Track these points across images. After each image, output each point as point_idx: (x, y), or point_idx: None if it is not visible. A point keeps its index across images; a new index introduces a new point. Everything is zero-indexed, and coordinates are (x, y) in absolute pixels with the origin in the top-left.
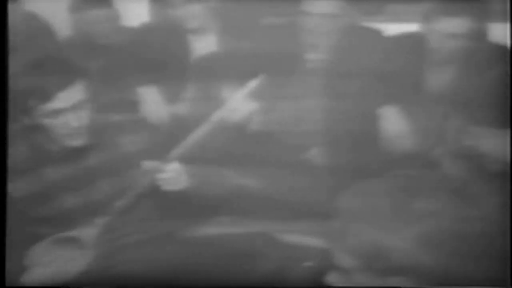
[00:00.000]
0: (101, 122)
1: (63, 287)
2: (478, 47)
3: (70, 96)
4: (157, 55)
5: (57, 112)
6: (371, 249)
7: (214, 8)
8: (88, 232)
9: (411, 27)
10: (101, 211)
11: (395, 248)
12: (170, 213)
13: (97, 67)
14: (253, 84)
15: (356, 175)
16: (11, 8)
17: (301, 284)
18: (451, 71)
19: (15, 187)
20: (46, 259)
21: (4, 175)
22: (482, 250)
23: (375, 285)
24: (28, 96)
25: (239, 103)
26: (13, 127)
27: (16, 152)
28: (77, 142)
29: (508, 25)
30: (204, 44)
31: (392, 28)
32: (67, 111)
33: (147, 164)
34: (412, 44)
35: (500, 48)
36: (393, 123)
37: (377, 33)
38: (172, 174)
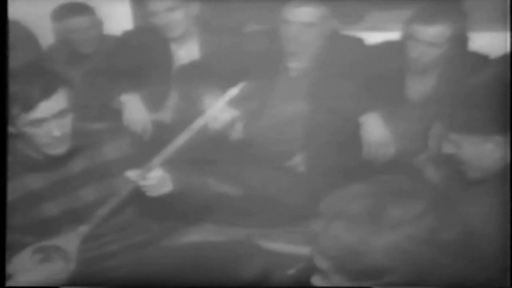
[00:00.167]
0: (83, 130)
1: (62, 287)
2: (458, 55)
3: (52, 105)
4: (140, 63)
5: (40, 121)
6: (351, 254)
7: (196, 16)
8: (71, 240)
9: (392, 35)
10: (84, 219)
11: (374, 253)
12: (153, 220)
13: (79, 75)
14: (234, 91)
15: (339, 181)
16: None
17: None
18: (431, 78)
19: None
20: (29, 268)
21: (4, 176)
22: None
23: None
24: (11, 105)
25: (220, 110)
26: None
27: None
28: (60, 150)
29: (487, 34)
30: (187, 52)
31: (373, 36)
32: (49, 119)
33: (130, 172)
34: (393, 52)
35: (479, 56)
36: (375, 129)
37: (358, 41)
38: (154, 181)
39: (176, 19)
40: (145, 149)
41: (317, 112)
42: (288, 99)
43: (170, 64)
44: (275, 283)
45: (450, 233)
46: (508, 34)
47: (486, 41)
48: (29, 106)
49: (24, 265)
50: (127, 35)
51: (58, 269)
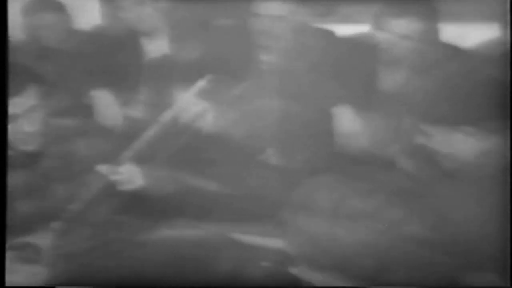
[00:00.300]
0: (54, 126)
1: (63, 287)
2: (429, 46)
3: (23, 101)
4: (110, 58)
5: (10, 118)
6: (317, 245)
7: (165, 10)
8: (44, 237)
9: (362, 28)
10: (56, 215)
11: (337, 245)
12: (125, 216)
13: (50, 71)
14: (201, 83)
15: (311, 174)
16: None
17: (259, 283)
18: (402, 70)
19: None
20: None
21: (4, 174)
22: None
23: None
24: None
25: (188, 103)
26: None
27: None
28: (31, 147)
29: (456, 25)
30: (156, 47)
31: (344, 29)
32: (20, 116)
33: (101, 168)
34: (363, 45)
35: (450, 48)
36: (347, 122)
37: (328, 34)
38: (126, 176)
39: (145, 13)
40: (117, 144)
41: (288, 104)
42: (259, 92)
43: (140, 58)
44: (250, 276)
45: (417, 226)
46: (508, 31)
47: (457, 33)
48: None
49: None
50: (97, 30)
51: (32, 266)
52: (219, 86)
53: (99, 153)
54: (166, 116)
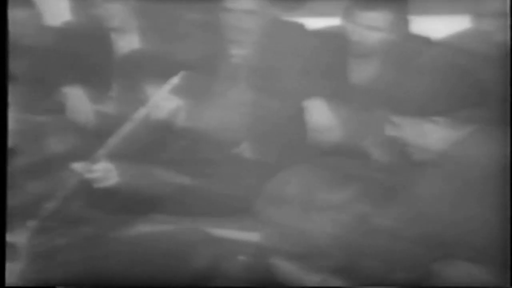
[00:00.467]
0: (27, 124)
1: (63, 286)
2: (400, 38)
3: None
4: (81, 54)
5: None
6: (288, 236)
7: (135, 5)
8: (20, 235)
9: (333, 21)
10: (32, 213)
11: (306, 237)
12: (101, 212)
13: (21, 68)
14: (175, 80)
15: (285, 167)
16: None
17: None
18: (374, 62)
19: None
20: None
21: (4, 174)
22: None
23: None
24: None
25: (162, 99)
26: None
27: None
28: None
29: (427, 18)
30: (127, 42)
31: (314, 23)
32: None
33: (76, 165)
34: (334, 38)
35: (421, 39)
36: (319, 115)
37: (299, 28)
38: (101, 173)
39: (114, 9)
40: (90, 140)
41: (260, 98)
42: (231, 86)
43: (111, 54)
44: (226, 270)
45: (388, 217)
46: (508, 31)
47: (428, 24)
48: None
49: None
50: (67, 26)
51: (9, 263)
52: (191, 82)
53: (73, 150)
54: (140, 113)
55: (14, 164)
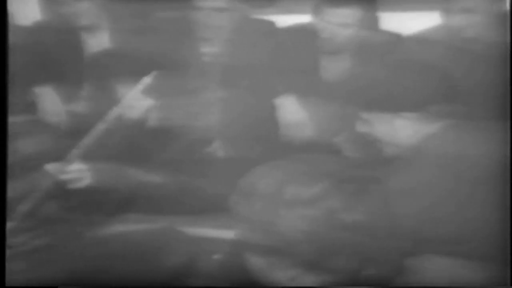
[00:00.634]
0: None
1: (65, 286)
2: (370, 35)
3: None
4: (51, 54)
5: None
6: (260, 232)
7: (104, 4)
8: None
9: (303, 18)
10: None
11: (277, 232)
12: (75, 213)
13: None
14: (147, 80)
15: (258, 165)
16: None
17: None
18: (344, 59)
19: None
20: None
21: (4, 174)
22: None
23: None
24: None
25: (134, 99)
26: None
27: None
28: None
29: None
30: (97, 41)
31: (284, 20)
32: None
33: (49, 165)
34: (304, 35)
35: (391, 35)
36: (291, 112)
37: (270, 25)
38: (74, 175)
39: (84, 7)
40: (63, 141)
41: (232, 96)
42: (202, 84)
43: (81, 53)
44: (200, 270)
45: (354, 216)
46: (508, 31)
47: (398, 20)
48: None
49: None
50: (37, 25)
51: None
52: (163, 81)
53: (45, 151)
54: (113, 113)
55: None
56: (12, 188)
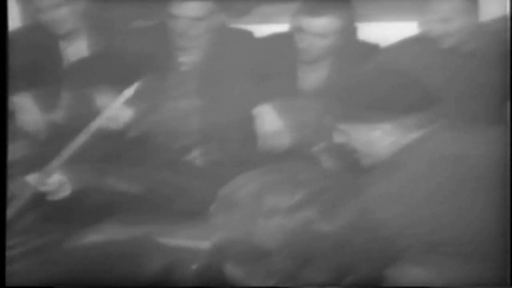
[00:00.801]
0: None
1: (66, 286)
2: (348, 45)
3: None
4: (29, 61)
5: None
6: (236, 242)
7: (82, 12)
8: None
9: (280, 28)
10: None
11: (255, 241)
12: (54, 222)
13: None
14: (129, 92)
15: (237, 174)
16: None
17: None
18: (322, 69)
19: None
20: None
21: (4, 175)
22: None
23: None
24: None
25: (115, 110)
26: None
27: None
28: None
29: (374, 24)
30: (75, 49)
31: (262, 29)
32: None
33: (29, 177)
34: (282, 44)
35: (369, 46)
36: (269, 121)
37: (247, 34)
38: (54, 186)
39: (62, 15)
40: (41, 150)
41: (210, 105)
42: (180, 93)
43: (59, 62)
44: (178, 279)
45: (332, 226)
46: (508, 31)
47: (375, 31)
48: None
49: None
50: (16, 33)
51: None
52: (141, 90)
53: (23, 160)
54: (94, 124)
55: None
56: None
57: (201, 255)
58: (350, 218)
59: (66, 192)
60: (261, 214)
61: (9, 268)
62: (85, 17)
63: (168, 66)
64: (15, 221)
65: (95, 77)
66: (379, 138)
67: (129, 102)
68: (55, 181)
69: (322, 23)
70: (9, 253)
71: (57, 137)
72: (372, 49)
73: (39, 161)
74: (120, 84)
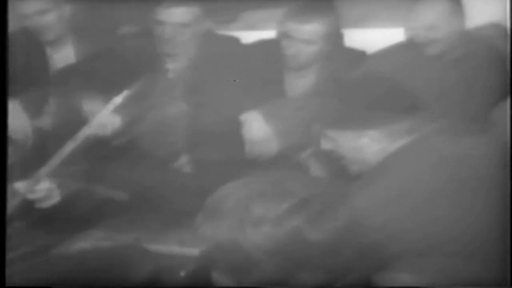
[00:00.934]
0: None
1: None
2: (334, 52)
3: None
4: (16, 67)
5: None
6: (222, 251)
7: (69, 18)
8: None
9: (267, 34)
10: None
11: (241, 251)
12: (42, 230)
13: None
14: (118, 99)
15: (225, 180)
16: None
17: None
18: (309, 75)
19: None
20: None
21: (4, 175)
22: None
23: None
24: None
25: (104, 118)
26: None
27: None
28: None
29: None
30: (62, 56)
31: (249, 36)
32: None
33: (17, 184)
34: (269, 51)
35: (356, 52)
36: (256, 127)
37: (234, 41)
38: (42, 194)
39: (49, 22)
40: (28, 156)
41: (198, 112)
42: (168, 100)
43: (46, 68)
44: (166, 286)
45: (320, 235)
46: (508, 31)
47: (363, 37)
48: None
49: None
50: None
51: None
52: (128, 97)
53: (11, 166)
54: (83, 132)
55: None
56: None
57: (189, 261)
58: (339, 226)
59: (54, 199)
60: (249, 223)
61: None
62: (72, 24)
63: (155, 72)
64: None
65: (82, 83)
66: (367, 145)
67: (117, 109)
68: (44, 189)
69: (309, 30)
70: None
71: (45, 144)
72: (359, 55)
73: (27, 168)
74: (107, 90)
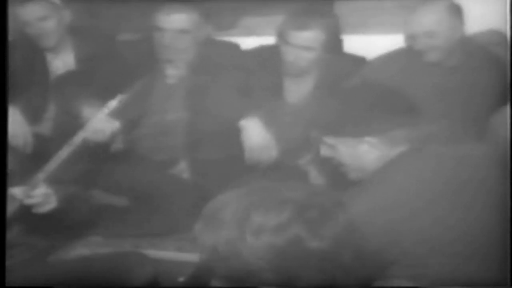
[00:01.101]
0: None
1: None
2: (334, 58)
3: None
4: (16, 74)
5: None
6: (220, 260)
7: (69, 25)
8: None
9: (267, 40)
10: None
11: (241, 261)
12: (39, 236)
13: None
14: (113, 103)
15: (224, 187)
16: None
17: None
18: (308, 81)
19: None
20: None
21: (4, 175)
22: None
23: None
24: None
25: (100, 122)
26: None
27: None
28: None
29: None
30: (62, 62)
31: (248, 42)
32: None
33: (14, 189)
34: (268, 57)
35: (356, 58)
36: (255, 133)
37: (234, 47)
38: (39, 199)
39: (48, 28)
40: (28, 162)
41: (196, 118)
42: (167, 106)
43: (46, 74)
44: None
45: (320, 242)
46: (508, 32)
47: (362, 44)
48: None
49: None
50: None
51: None
52: (128, 103)
53: (10, 172)
54: (78, 137)
55: None
56: None
57: (188, 267)
58: (338, 233)
59: (51, 204)
60: (248, 232)
61: None
62: (72, 30)
63: (154, 78)
64: None
65: (82, 89)
66: (366, 151)
67: (115, 114)
68: (40, 194)
69: (309, 36)
70: None
71: (44, 150)
72: (358, 61)
73: (26, 173)
74: (107, 96)
